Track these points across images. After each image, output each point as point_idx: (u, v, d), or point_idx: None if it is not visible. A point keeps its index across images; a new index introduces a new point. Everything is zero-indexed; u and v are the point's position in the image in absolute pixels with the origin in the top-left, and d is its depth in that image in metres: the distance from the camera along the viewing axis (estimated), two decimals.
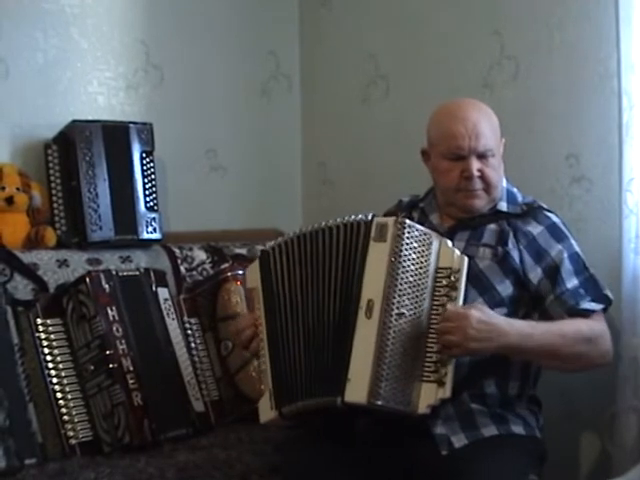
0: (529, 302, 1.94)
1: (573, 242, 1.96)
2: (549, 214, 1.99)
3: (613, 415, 2.14)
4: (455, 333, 1.71)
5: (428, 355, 1.74)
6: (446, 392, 1.72)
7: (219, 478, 2.00)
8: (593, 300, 1.90)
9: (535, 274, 1.91)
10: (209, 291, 2.45)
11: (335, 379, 1.75)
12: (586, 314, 1.88)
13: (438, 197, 2.07)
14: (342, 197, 3.04)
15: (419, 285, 1.76)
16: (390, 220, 1.81)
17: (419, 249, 1.78)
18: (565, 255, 1.92)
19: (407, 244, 1.77)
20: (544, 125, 2.40)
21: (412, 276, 1.76)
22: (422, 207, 2.10)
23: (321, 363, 1.81)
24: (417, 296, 1.76)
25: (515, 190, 2.04)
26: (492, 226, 1.97)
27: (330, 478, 1.81)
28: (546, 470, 1.96)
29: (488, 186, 1.96)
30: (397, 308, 1.73)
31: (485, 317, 1.74)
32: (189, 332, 2.40)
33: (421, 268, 1.77)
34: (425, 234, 1.81)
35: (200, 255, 2.70)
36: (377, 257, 1.78)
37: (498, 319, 1.77)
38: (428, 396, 1.72)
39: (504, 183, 2.03)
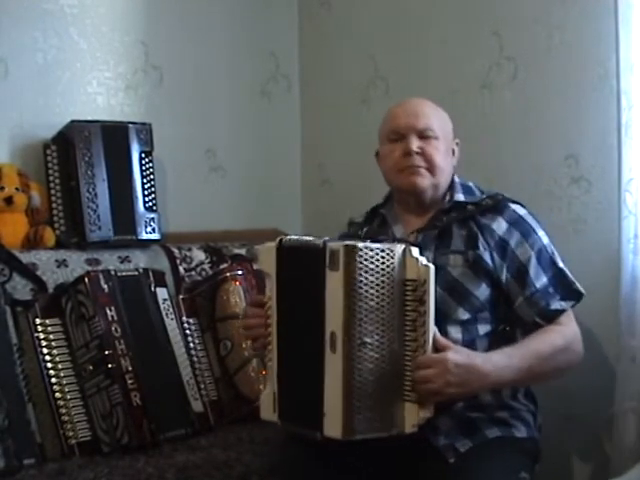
0: (505, 302, 1.88)
1: (540, 234, 1.89)
2: (515, 206, 1.91)
3: (612, 416, 2.13)
4: (434, 380, 1.64)
5: (407, 375, 1.65)
6: (427, 412, 1.66)
7: (218, 478, 1.99)
8: (563, 298, 1.85)
9: (504, 274, 1.85)
10: (208, 291, 2.45)
11: (314, 413, 1.67)
12: (556, 315, 1.84)
13: (394, 197, 2.02)
14: (341, 197, 3.03)
15: (383, 307, 1.64)
16: (340, 246, 1.65)
17: (378, 269, 1.63)
18: (532, 252, 1.85)
19: (361, 268, 1.62)
20: (543, 126, 2.40)
21: (373, 300, 1.63)
22: (383, 213, 2.04)
23: (302, 394, 1.73)
24: (383, 319, 1.64)
25: (471, 184, 1.99)
26: (460, 231, 1.89)
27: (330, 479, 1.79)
28: (545, 471, 1.96)
29: (431, 165, 1.90)
30: (359, 338, 1.62)
31: (462, 359, 1.67)
32: (188, 332, 2.40)
33: (383, 288, 1.63)
34: (382, 251, 1.65)
35: (199, 255, 2.70)
36: (334, 287, 1.64)
37: (475, 359, 1.70)
38: (412, 416, 1.66)
39: (457, 178, 1.98)
